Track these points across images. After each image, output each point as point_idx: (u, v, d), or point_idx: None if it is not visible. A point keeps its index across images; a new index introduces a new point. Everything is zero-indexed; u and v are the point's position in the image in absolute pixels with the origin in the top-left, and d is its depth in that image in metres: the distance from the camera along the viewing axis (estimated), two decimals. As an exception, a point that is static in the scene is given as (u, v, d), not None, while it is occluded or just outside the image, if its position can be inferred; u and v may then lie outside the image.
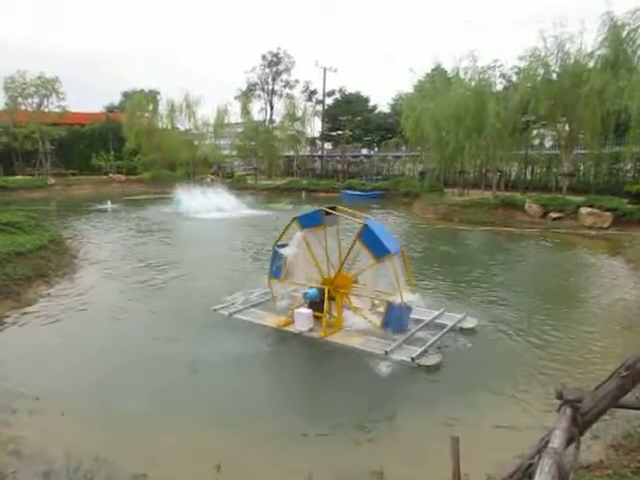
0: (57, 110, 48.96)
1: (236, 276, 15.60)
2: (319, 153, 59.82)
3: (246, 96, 56.34)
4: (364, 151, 58.15)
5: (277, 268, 11.77)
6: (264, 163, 56.43)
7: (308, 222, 11.37)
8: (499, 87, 35.23)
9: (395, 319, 10.26)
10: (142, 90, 54.72)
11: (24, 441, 6.76)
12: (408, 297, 10.31)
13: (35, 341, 10.50)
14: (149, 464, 6.27)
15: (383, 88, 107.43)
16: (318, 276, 11.38)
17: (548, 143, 38.87)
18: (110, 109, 66.16)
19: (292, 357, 10.13)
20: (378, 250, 10.27)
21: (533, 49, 28.85)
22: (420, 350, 9.47)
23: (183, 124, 53.86)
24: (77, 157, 52.16)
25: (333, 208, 11.37)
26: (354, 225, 11.48)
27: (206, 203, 33.39)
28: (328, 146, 62.47)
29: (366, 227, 10.42)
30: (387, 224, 20.75)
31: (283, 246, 11.78)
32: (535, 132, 36.60)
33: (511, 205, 28.64)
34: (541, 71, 28.96)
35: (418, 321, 10.99)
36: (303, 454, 6.66)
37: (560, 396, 3.31)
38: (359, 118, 59.08)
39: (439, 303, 12.46)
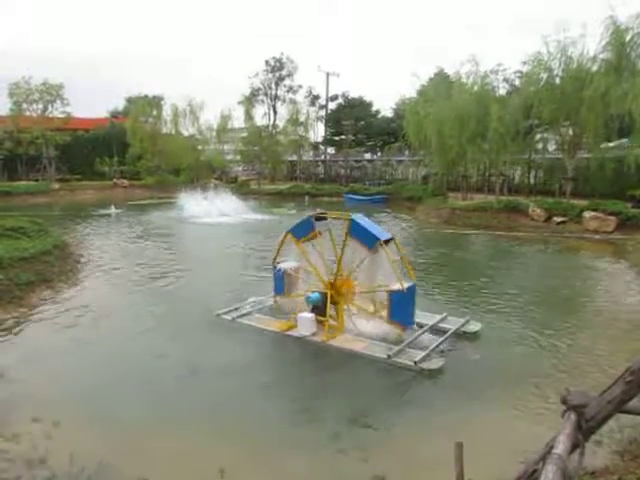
0: (61, 115, 49.19)
1: (240, 281, 15.58)
2: (322, 158, 59.95)
3: (249, 101, 56.61)
4: (367, 155, 58.26)
5: (280, 286, 12.15)
6: (267, 168, 56.56)
7: (301, 232, 11.59)
8: (502, 91, 35.29)
9: (399, 308, 10.22)
10: (146, 96, 55.00)
11: (26, 446, 6.74)
12: (406, 284, 10.26)
13: (37, 346, 10.48)
14: (152, 469, 6.23)
15: (386, 92, 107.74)
16: (319, 282, 11.39)
17: (551, 147, 38.73)
18: (114, 114, 66.44)
19: (294, 362, 10.10)
20: (369, 240, 10.43)
21: (536, 53, 28.91)
22: (423, 354, 9.41)
23: (187, 129, 54.23)
24: (81, 162, 52.31)
25: (323, 214, 11.56)
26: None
27: (209, 208, 33.46)
28: (331, 150, 62.61)
29: (354, 222, 10.66)
30: (390, 229, 20.63)
31: (280, 263, 12.15)
32: (538, 136, 36.47)
33: (515, 209, 28.61)
34: (544, 75, 28.95)
35: (421, 325, 10.94)
36: (306, 459, 6.62)
37: (564, 401, 3.27)
38: (362, 122, 59.21)
39: (443, 308, 12.40)
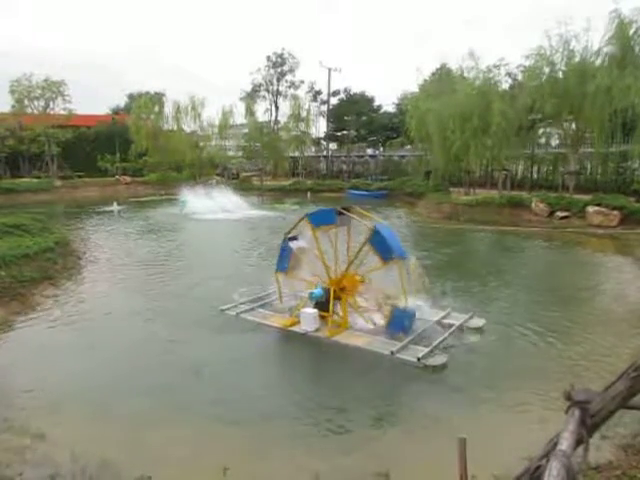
0: (63, 113, 49.08)
1: (242, 276, 15.58)
2: (324, 153, 59.83)
3: (251, 97, 56.45)
4: (369, 151, 58.09)
5: (284, 262, 11.75)
6: (269, 164, 56.45)
7: (320, 220, 11.11)
8: (505, 86, 35.09)
9: (398, 323, 10.23)
10: (147, 92, 54.92)
11: (30, 444, 6.75)
12: (413, 302, 10.26)
13: (40, 343, 10.51)
14: (155, 466, 6.24)
15: (388, 88, 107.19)
16: (324, 274, 11.26)
17: (554, 142, 38.62)
18: (116, 111, 66.39)
19: (297, 358, 10.11)
20: (385, 253, 10.14)
21: (538, 47, 28.70)
22: (426, 350, 9.41)
23: (188, 126, 54.14)
24: (83, 159, 52.28)
25: (347, 209, 11.08)
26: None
27: (212, 204, 33.46)
28: (333, 146, 62.42)
29: (376, 232, 10.24)
30: (392, 224, 20.64)
31: (292, 239, 11.71)
32: (541, 131, 36.33)
33: (517, 204, 28.49)
34: (547, 69, 28.78)
35: (425, 321, 10.91)
36: (310, 455, 6.62)
37: (568, 397, 3.25)
38: (364, 118, 59.03)
39: (446, 303, 12.37)
